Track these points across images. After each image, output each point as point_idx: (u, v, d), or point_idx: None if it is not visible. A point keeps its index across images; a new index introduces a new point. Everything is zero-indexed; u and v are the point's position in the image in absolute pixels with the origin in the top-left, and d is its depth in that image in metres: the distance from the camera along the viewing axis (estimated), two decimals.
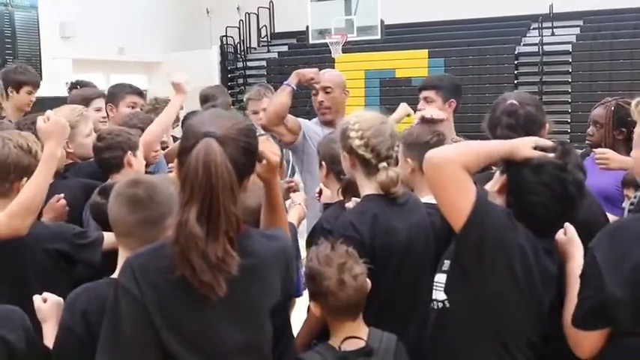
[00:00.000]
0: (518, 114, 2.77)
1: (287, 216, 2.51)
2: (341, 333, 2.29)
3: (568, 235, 2.27)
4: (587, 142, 3.94)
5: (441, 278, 2.24)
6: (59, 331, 2.04)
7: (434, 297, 2.26)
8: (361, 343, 2.26)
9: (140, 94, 4.71)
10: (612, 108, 3.70)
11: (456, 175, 2.05)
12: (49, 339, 2.10)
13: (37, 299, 2.17)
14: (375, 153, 2.55)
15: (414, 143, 2.94)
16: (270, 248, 1.95)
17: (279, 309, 2.17)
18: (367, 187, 2.60)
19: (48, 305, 2.16)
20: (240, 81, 17.64)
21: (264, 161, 2.06)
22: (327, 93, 4.20)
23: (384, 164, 2.55)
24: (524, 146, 2.18)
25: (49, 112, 2.73)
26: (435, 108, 4.00)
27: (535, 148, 2.18)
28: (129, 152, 3.20)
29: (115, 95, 4.59)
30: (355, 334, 2.28)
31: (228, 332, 1.84)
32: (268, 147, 2.08)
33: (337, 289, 2.25)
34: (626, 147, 3.64)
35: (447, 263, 2.23)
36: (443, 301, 2.21)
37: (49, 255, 2.53)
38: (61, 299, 2.16)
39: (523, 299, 2.11)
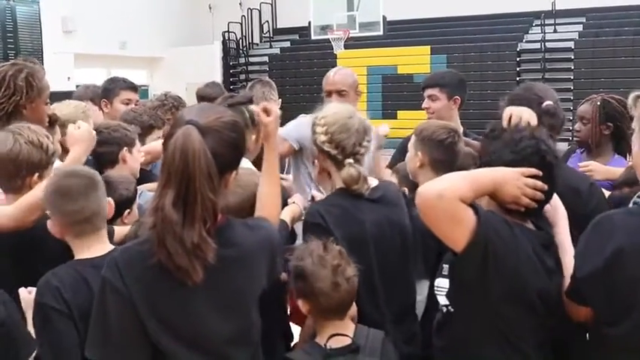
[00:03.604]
0: (557, 116, 2.77)
1: (280, 211, 2.50)
2: (327, 331, 2.28)
3: (552, 205, 2.26)
4: (575, 138, 3.98)
5: (441, 282, 2.23)
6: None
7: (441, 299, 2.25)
8: (347, 341, 2.25)
9: (134, 89, 4.69)
10: (598, 103, 3.74)
11: (450, 208, 1.98)
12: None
13: (22, 291, 2.25)
14: (340, 149, 2.52)
15: (427, 138, 2.92)
16: (254, 237, 1.96)
17: (272, 301, 2.23)
18: (338, 181, 2.59)
19: (33, 296, 2.23)
20: (242, 77, 17.64)
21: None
22: (342, 96, 3.98)
23: (350, 160, 2.52)
24: (511, 183, 2.09)
25: (80, 122, 2.82)
26: (439, 106, 4.00)
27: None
28: (124, 148, 3.19)
29: (109, 91, 4.57)
30: (341, 331, 2.27)
31: (215, 322, 1.85)
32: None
33: (331, 291, 2.24)
34: (613, 142, 3.72)
35: (446, 268, 2.21)
36: (447, 306, 2.20)
37: (61, 246, 2.53)
38: None
39: (531, 300, 2.10)
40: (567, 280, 2.13)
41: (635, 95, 2.46)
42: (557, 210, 2.28)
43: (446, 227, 2.03)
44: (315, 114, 2.64)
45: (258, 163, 3.13)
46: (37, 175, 2.54)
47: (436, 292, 2.26)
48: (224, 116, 1.85)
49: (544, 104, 2.78)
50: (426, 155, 2.88)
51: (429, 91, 4.11)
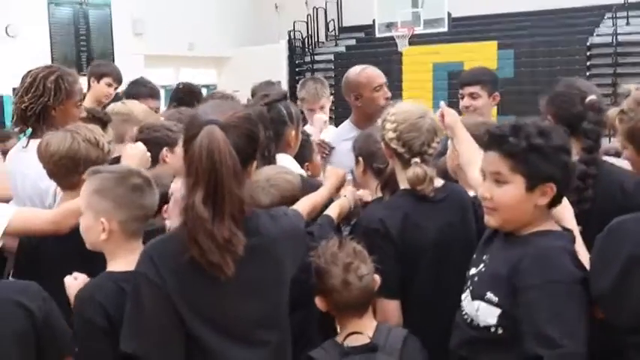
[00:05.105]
0: (603, 111, 2.65)
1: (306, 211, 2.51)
2: (346, 329, 2.29)
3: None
4: None
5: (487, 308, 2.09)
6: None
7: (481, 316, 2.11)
8: (365, 339, 2.25)
9: (155, 96, 4.94)
10: None
11: None
12: None
13: (68, 278, 2.29)
14: (407, 147, 2.49)
15: None
16: (277, 226, 2.04)
17: (307, 296, 2.29)
18: (403, 181, 2.56)
19: (79, 282, 2.29)
20: (308, 75, 17.65)
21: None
22: (387, 86, 4.05)
23: (417, 160, 2.48)
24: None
25: (139, 143, 2.96)
26: (481, 104, 3.93)
27: None
28: (165, 148, 3.24)
29: (130, 97, 4.68)
30: (361, 330, 2.27)
31: (246, 309, 1.93)
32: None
33: (342, 289, 2.25)
34: None
35: (496, 299, 2.05)
36: (496, 327, 2.06)
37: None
38: (88, 278, 2.29)
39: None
40: None
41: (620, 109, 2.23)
42: (563, 206, 2.20)
43: None
44: (387, 111, 2.62)
45: (299, 160, 3.16)
46: None
47: (481, 311, 2.11)
48: (238, 111, 1.94)
49: (587, 99, 2.68)
50: None
51: (469, 89, 4.00)
